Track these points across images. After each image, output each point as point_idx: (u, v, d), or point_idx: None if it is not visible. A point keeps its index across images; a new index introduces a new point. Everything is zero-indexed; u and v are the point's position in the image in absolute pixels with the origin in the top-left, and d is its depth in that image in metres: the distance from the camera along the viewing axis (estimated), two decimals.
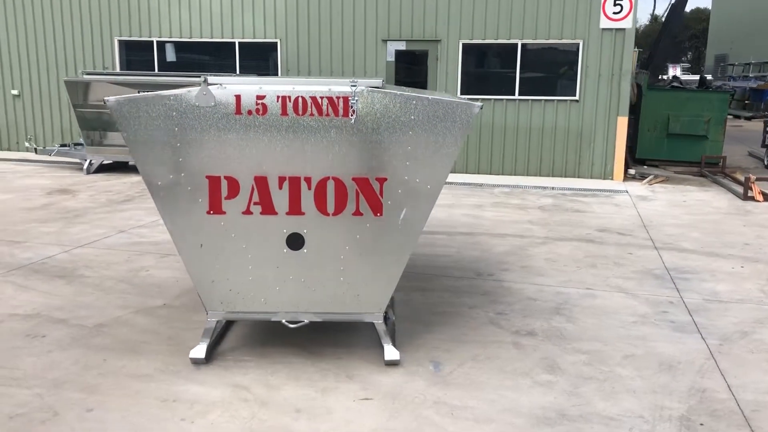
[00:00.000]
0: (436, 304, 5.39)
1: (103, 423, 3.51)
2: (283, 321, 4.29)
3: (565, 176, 12.04)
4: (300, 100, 3.93)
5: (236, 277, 4.19)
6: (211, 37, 13.13)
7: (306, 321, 4.30)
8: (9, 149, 14.54)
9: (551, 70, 11.96)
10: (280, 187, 4.05)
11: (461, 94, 12.11)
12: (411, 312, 5.17)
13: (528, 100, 11.96)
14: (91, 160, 11.88)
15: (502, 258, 6.74)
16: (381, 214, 4.08)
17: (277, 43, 12.91)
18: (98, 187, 10.49)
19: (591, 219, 8.70)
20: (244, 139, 3.97)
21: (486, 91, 12.09)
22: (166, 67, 13.50)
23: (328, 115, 3.95)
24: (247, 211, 4.08)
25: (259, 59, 13.14)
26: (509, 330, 4.88)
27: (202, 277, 4.20)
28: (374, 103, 3.94)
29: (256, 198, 4.06)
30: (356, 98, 3.92)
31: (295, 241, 4.12)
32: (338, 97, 3.93)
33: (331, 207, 4.07)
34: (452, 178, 11.41)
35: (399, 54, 12.40)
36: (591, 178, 11.95)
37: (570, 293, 5.71)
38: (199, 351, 4.25)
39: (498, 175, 12.24)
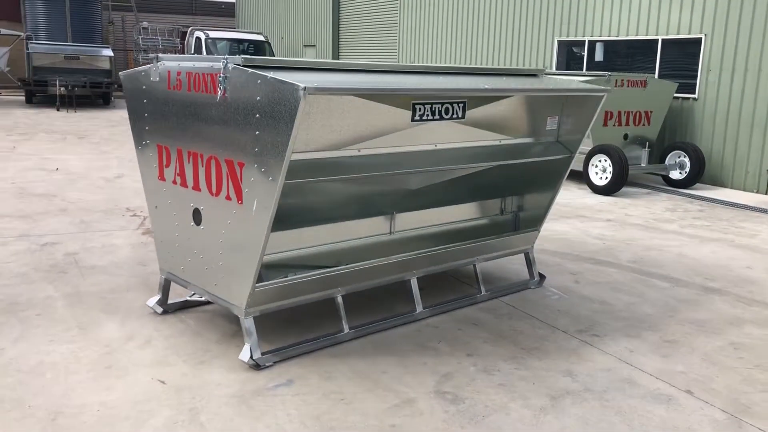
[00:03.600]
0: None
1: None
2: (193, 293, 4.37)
3: None
4: (196, 76, 3.94)
5: (170, 242, 4.46)
6: (636, 35, 12.08)
7: (203, 298, 4.28)
8: None
9: None
10: (188, 161, 4.14)
11: None
12: None
13: None
14: None
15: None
16: (242, 202, 3.77)
17: (701, 39, 11.05)
18: None
19: None
20: (171, 112, 4.20)
21: None
22: (592, 67, 13.04)
23: (209, 92, 3.86)
24: (174, 181, 4.30)
25: (681, 57, 11.49)
26: None
27: (156, 235, 4.61)
28: (238, 82, 3.66)
29: (178, 169, 4.26)
30: (224, 76, 3.71)
31: (197, 216, 4.15)
32: (210, 74, 3.80)
33: (214, 187, 3.96)
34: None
35: None
36: None
37: None
38: (152, 301, 4.70)
39: None
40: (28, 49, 22.99)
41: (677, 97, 11.35)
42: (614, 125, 10.44)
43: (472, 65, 15.88)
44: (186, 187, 4.17)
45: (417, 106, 4.23)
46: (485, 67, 4.90)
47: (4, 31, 27.41)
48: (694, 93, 11.26)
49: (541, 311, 4.96)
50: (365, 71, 4.13)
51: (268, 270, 4.24)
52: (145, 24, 32.71)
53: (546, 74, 5.34)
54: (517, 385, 3.80)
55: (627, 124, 10.58)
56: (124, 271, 5.53)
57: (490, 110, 4.76)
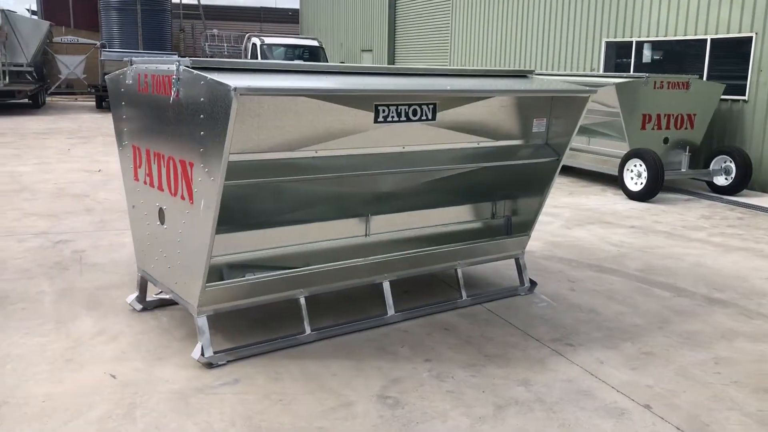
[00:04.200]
0: None
1: None
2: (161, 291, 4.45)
3: None
4: (158, 78, 4.03)
5: (143, 241, 4.57)
6: (684, 34, 11.60)
7: (169, 296, 4.36)
8: None
9: None
10: (154, 162, 4.23)
11: None
12: None
13: None
14: None
15: None
16: (192, 202, 3.83)
17: (752, 37, 10.51)
18: None
19: None
20: (142, 113, 4.31)
21: None
22: (640, 68, 12.60)
23: (167, 93, 3.94)
24: (144, 181, 4.41)
25: (731, 58, 10.96)
26: None
27: (133, 234, 4.73)
28: (187, 83, 3.72)
29: (147, 169, 4.36)
30: (177, 77, 3.78)
31: (161, 216, 4.24)
32: (168, 76, 3.88)
33: (173, 187, 4.04)
34: None
35: None
36: None
37: None
38: (130, 298, 4.82)
39: None
40: (101, 56, 24.06)
41: (725, 99, 10.83)
42: (653, 129, 10.04)
43: (512, 68, 15.65)
44: (153, 187, 4.27)
45: (380, 108, 4.19)
46: (470, 68, 4.83)
47: (81, 39, 28.82)
48: (743, 95, 10.71)
49: (521, 318, 4.82)
50: (327, 73, 4.12)
51: (232, 270, 4.29)
52: (215, 31, 33.74)
53: (550, 74, 5.18)
54: (465, 393, 3.70)
55: (668, 127, 10.16)
56: (121, 269, 5.70)
57: (467, 112, 4.67)
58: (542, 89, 4.62)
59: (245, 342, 4.21)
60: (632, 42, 12.70)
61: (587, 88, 4.78)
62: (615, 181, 10.11)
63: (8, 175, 10.10)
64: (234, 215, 4.31)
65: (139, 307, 4.75)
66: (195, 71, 3.61)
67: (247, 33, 22.64)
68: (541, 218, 7.99)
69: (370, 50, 24.01)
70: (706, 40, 11.25)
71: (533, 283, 5.43)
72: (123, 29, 29.06)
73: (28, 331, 4.37)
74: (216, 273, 4.20)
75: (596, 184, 10.78)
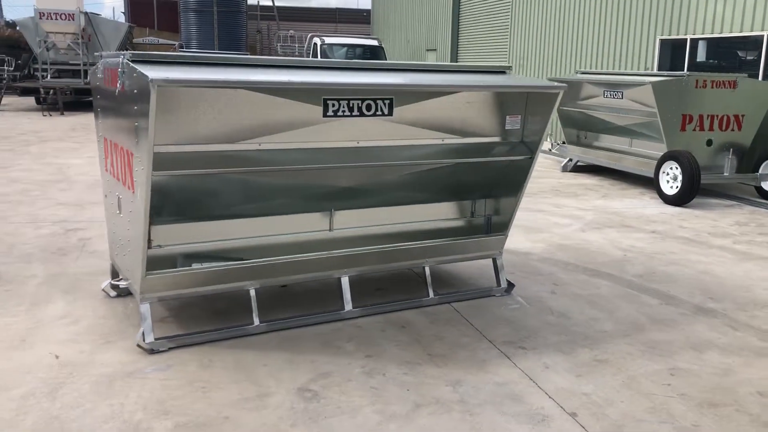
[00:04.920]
0: None
1: None
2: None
3: None
4: (112, 71, 4.17)
5: (110, 229, 4.73)
6: (741, 31, 10.99)
7: (125, 284, 4.49)
8: None
9: None
10: (114, 152, 4.38)
11: None
12: None
13: None
14: (570, 159, 11.98)
15: None
16: (134, 192, 3.94)
17: None
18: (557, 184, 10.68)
19: None
20: (107, 105, 4.47)
21: None
22: (695, 67, 12.02)
23: (114, 85, 4.07)
24: (110, 172, 4.57)
25: None
26: None
27: (106, 223, 4.91)
28: (127, 75, 3.84)
29: (110, 160, 4.52)
30: (122, 70, 3.91)
31: (120, 205, 4.39)
32: (115, 69, 4.01)
33: (123, 177, 4.17)
34: None
35: None
36: None
37: None
38: (104, 284, 5.01)
39: None
40: None
41: None
42: (695, 130, 9.56)
43: (560, 66, 15.22)
44: (114, 176, 4.43)
45: (329, 102, 4.19)
46: (446, 63, 4.76)
47: (161, 40, 30.07)
48: None
49: (484, 319, 4.71)
50: (277, 67, 4.17)
51: (188, 259, 4.39)
52: (292, 32, 34.44)
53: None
54: (389, 390, 3.66)
55: (711, 128, 9.65)
56: None
57: (431, 108, 4.60)
58: (496, 84, 4.50)
59: (199, 330, 4.29)
60: (687, 39, 12.13)
61: (557, 84, 4.61)
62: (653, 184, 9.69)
63: (57, 167, 10.66)
64: (194, 206, 4.41)
65: (113, 293, 4.92)
66: (132, 64, 3.72)
67: (311, 33, 22.99)
68: (560, 221, 7.81)
69: (435, 49, 23.93)
70: (762, 36, 10.61)
71: (511, 285, 5.29)
72: (200, 30, 30.11)
73: (0, 311, 4.61)
74: (170, 262, 4.31)
75: (637, 187, 10.36)
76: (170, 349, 4.07)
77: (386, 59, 20.26)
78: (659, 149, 9.64)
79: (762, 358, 4.23)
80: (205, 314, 4.61)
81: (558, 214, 8.29)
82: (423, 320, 4.66)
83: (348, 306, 4.62)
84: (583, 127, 11.61)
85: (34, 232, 6.64)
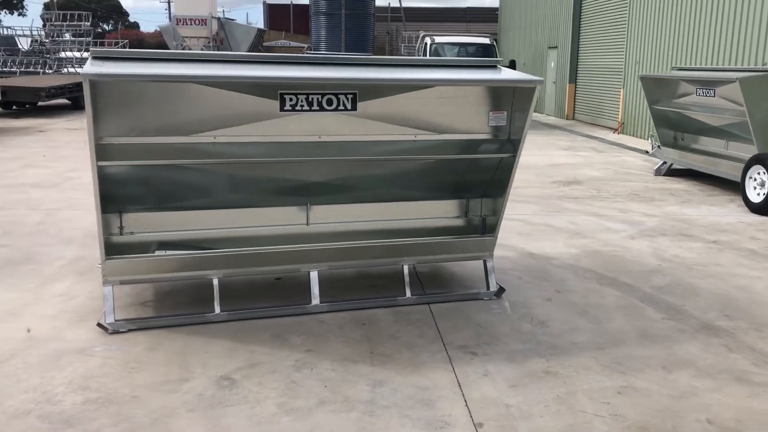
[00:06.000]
0: None
1: None
2: None
3: None
4: None
5: None
6: None
7: None
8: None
9: None
10: None
11: None
12: None
13: None
14: (664, 162, 11.18)
15: None
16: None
17: None
18: (648, 189, 10.14)
19: None
20: None
21: None
22: None
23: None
24: None
25: None
26: None
27: None
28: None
29: None
30: None
31: None
32: None
33: None
34: None
35: None
36: None
37: None
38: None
39: None
40: None
41: None
42: None
43: (672, 63, 14.17)
44: None
45: (286, 96, 4.23)
46: (430, 58, 4.66)
47: (292, 43, 31.37)
48: None
49: (452, 322, 4.55)
50: (234, 62, 4.28)
51: (164, 246, 4.61)
52: (422, 33, 34.66)
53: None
54: (306, 385, 3.65)
55: None
56: None
57: (400, 103, 4.51)
58: (468, 79, 4.32)
59: (168, 314, 4.50)
60: None
61: (534, 78, 4.36)
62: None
63: None
64: (172, 197, 4.62)
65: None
66: (91, 60, 3.97)
67: (422, 33, 23.03)
68: (614, 226, 7.36)
69: (556, 47, 23.18)
70: None
71: (501, 289, 5.06)
72: (329, 33, 31.04)
73: (13, 288, 5.07)
74: (146, 249, 4.54)
75: (727, 193, 9.48)
76: (129, 330, 4.29)
77: (497, 57, 19.89)
78: (751, 152, 8.77)
79: (740, 384, 3.77)
80: (189, 300, 4.80)
81: (616, 219, 7.78)
82: (389, 319, 4.58)
83: (315, 300, 4.64)
84: (679, 128, 10.80)
85: (86, 218, 7.19)
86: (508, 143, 4.75)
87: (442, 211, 5.15)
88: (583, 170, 11.52)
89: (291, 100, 4.25)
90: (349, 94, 4.33)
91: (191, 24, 23.07)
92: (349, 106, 4.35)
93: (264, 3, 37.18)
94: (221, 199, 4.72)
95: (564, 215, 7.93)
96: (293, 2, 36.29)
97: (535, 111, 24.76)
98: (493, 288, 5.03)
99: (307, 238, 4.83)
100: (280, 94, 4.22)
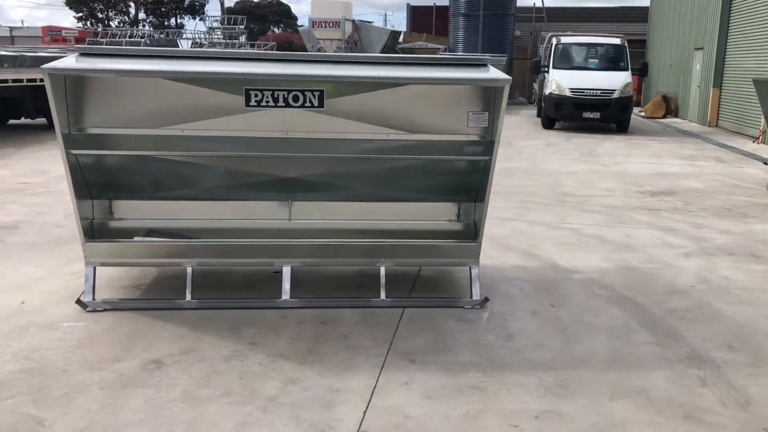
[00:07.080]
0: None
1: None
2: None
3: None
4: None
5: None
6: None
7: None
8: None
9: None
10: None
11: None
12: None
13: None
14: None
15: None
16: None
17: None
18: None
19: None
20: None
21: None
22: None
23: None
24: None
25: None
26: None
27: None
28: None
29: None
30: None
31: None
32: None
33: None
34: None
35: None
36: None
37: None
38: None
39: None
40: None
41: None
42: None
43: None
44: None
45: (251, 92, 4.31)
46: (407, 56, 4.58)
47: (430, 45, 31.57)
48: None
49: (414, 328, 4.41)
50: (203, 58, 4.42)
51: (151, 234, 4.87)
52: (549, 34, 33.59)
53: None
54: (224, 377, 3.71)
55: None
56: None
57: (371, 101, 4.44)
58: (437, 77, 4.16)
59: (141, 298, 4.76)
60: None
61: (500, 77, 4.11)
62: None
63: None
64: (162, 187, 4.86)
65: None
66: (78, 56, 4.27)
67: (550, 33, 22.25)
68: (672, 241, 6.80)
69: (701, 48, 21.51)
70: None
71: (486, 299, 4.82)
72: (467, 34, 30.88)
73: (39, 264, 5.55)
74: (133, 234, 4.82)
75: None
76: (105, 310, 4.57)
77: (628, 58, 18.84)
78: None
79: (686, 422, 3.34)
80: (181, 286, 5.00)
81: (683, 234, 7.12)
82: (353, 320, 4.52)
83: (286, 296, 4.67)
84: None
85: None
86: (487, 145, 4.51)
87: (429, 214, 5.00)
88: (686, 181, 10.63)
89: (256, 96, 4.31)
90: (316, 91, 4.32)
91: (325, 27, 23.91)
92: (316, 103, 4.34)
93: (408, 5, 37.70)
94: (207, 191, 4.89)
95: (624, 227, 7.37)
96: (436, 4, 36.44)
97: (676, 117, 23.34)
98: (477, 297, 4.80)
99: (289, 234, 4.88)
100: (246, 89, 4.30)
